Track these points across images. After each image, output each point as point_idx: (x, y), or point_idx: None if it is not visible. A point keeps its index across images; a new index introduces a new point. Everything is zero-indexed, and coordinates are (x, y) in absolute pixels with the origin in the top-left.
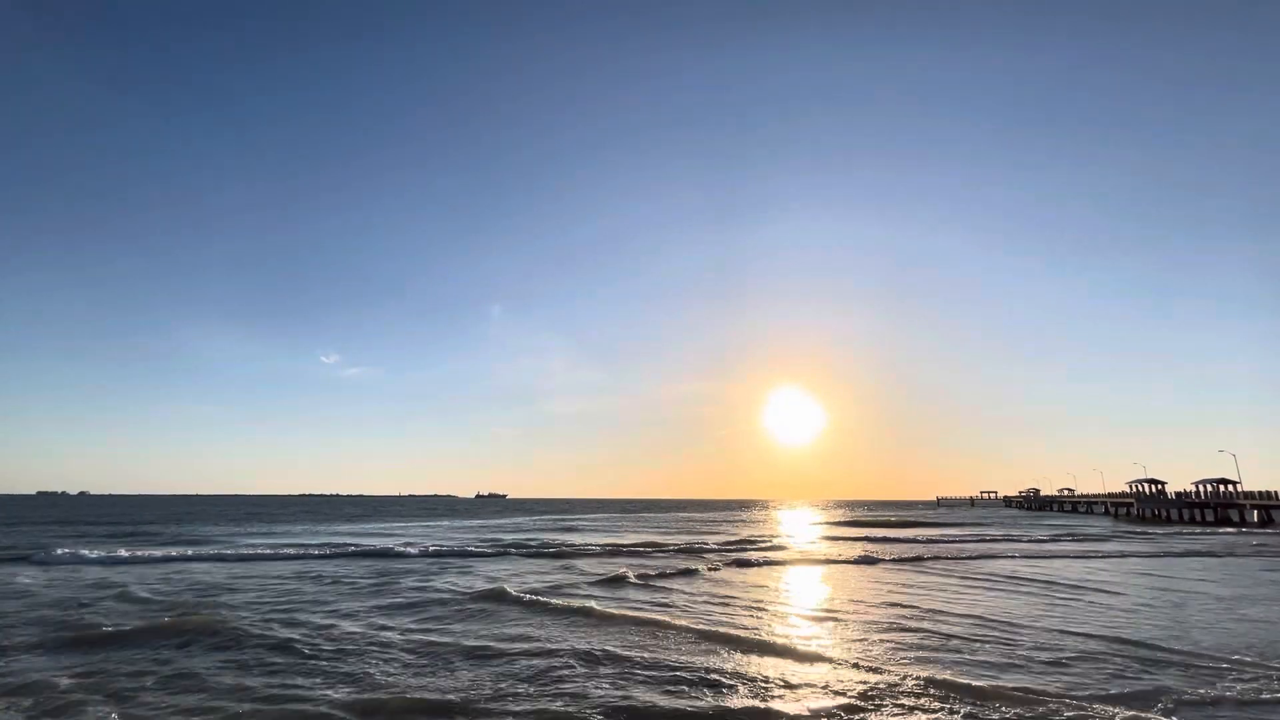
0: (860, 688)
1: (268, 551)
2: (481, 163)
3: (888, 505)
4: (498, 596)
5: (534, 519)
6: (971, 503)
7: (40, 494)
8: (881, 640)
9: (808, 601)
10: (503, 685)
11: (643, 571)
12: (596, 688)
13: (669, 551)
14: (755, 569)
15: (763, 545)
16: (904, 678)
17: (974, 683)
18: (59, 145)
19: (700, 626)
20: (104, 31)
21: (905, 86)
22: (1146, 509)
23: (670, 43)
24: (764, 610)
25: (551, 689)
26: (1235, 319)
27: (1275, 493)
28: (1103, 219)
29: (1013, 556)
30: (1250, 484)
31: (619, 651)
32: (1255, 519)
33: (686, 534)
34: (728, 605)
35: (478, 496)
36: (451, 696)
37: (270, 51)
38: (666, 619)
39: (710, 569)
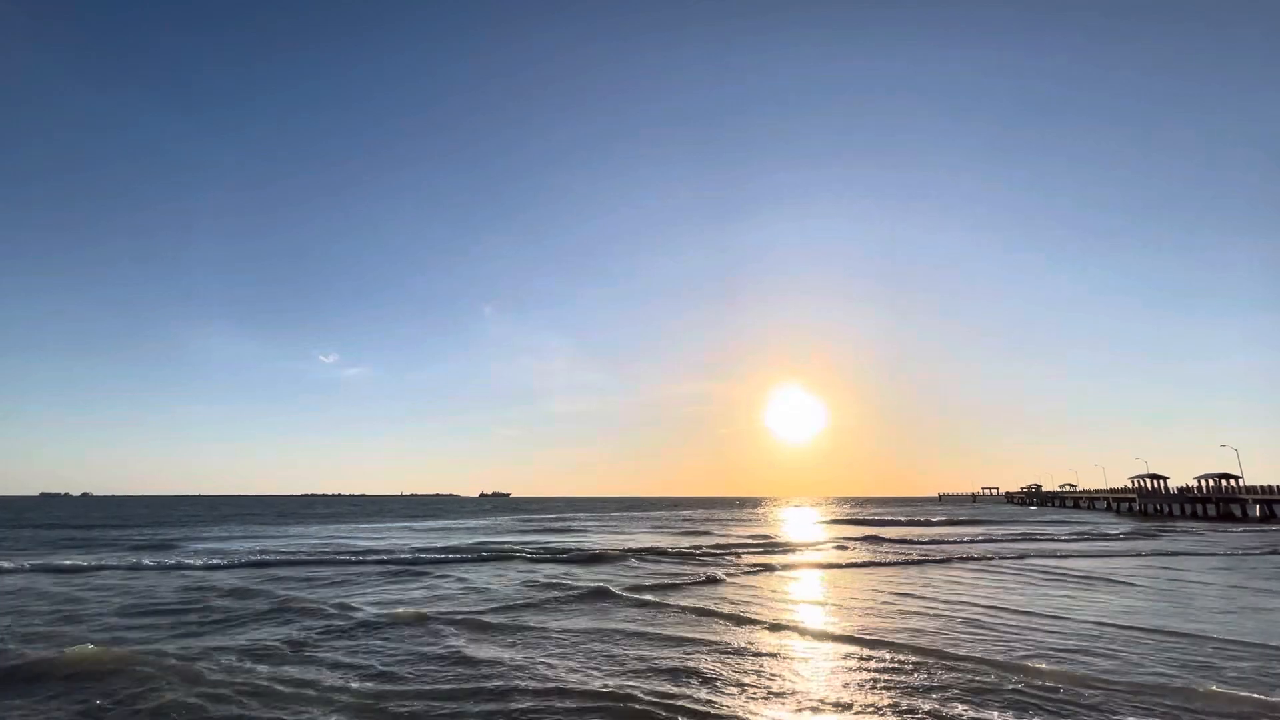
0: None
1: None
2: (481, 162)
3: (890, 502)
4: (602, 594)
5: (546, 519)
6: (974, 499)
7: (44, 495)
8: (981, 638)
9: (876, 600)
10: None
11: (693, 576)
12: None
13: (725, 552)
14: (799, 570)
15: (796, 546)
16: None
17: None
18: (59, 145)
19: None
20: (104, 31)
21: (905, 85)
22: (1149, 504)
23: (670, 42)
24: (863, 610)
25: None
26: (1236, 315)
27: (1276, 487)
28: (1104, 217)
29: (1043, 555)
30: (1251, 479)
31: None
32: (1257, 513)
33: (712, 535)
34: (815, 604)
35: (481, 496)
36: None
37: (270, 51)
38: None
39: (771, 571)
